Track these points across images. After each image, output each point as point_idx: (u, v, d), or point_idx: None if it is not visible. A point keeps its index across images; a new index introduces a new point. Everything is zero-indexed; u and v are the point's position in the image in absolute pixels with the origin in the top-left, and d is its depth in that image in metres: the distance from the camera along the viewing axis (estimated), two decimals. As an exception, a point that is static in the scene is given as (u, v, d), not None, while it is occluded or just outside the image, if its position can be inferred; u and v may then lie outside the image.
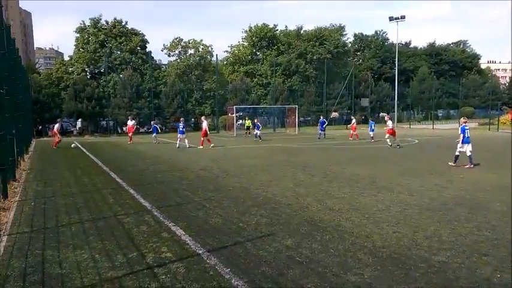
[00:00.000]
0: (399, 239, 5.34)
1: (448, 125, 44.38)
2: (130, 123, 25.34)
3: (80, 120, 41.80)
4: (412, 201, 7.55)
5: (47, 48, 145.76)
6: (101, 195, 8.52)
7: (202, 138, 20.56)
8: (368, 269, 4.33)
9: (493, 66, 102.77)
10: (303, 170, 11.91)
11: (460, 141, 12.00)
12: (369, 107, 50.89)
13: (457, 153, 12.17)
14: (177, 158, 15.66)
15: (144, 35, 46.50)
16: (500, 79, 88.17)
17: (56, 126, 22.90)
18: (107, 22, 45.05)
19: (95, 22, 44.50)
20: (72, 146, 16.57)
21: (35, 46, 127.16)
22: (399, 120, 51.53)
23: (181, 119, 22.59)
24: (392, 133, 19.36)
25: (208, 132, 21.04)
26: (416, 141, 23.64)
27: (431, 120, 45.19)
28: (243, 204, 7.39)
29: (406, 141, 23.30)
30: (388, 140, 19.26)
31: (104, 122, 42.14)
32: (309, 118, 50.73)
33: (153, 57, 47.02)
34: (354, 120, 26.71)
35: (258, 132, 26.32)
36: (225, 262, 4.51)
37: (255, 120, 27.91)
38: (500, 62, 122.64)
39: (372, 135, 23.71)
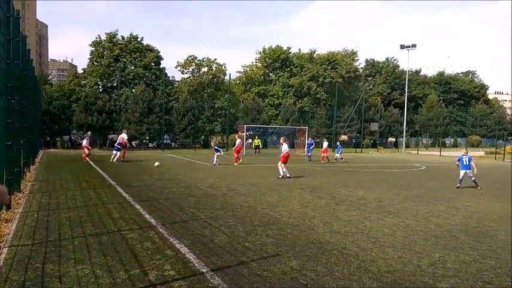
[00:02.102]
0: (404, 264, 5.30)
1: (455, 152, 44.01)
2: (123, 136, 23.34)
3: (89, 133, 42.23)
4: (417, 227, 7.50)
5: (61, 60, 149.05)
6: (106, 209, 8.55)
7: (236, 155, 21.87)
8: (372, 294, 4.31)
9: (500, 97, 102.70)
10: (311, 191, 11.89)
11: (459, 168, 13.90)
12: (378, 131, 50.85)
13: (460, 178, 13.74)
14: (184, 175, 15.72)
15: (158, 52, 47.34)
16: (507, 110, 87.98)
17: (84, 141, 23.95)
18: (122, 37, 46.03)
19: (111, 37, 45.48)
20: (156, 164, 16.11)
21: (49, 58, 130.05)
22: (407, 146, 51.31)
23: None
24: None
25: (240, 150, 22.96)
26: (424, 167, 23.46)
27: (438, 147, 44.91)
28: (249, 224, 7.39)
29: (414, 167, 23.15)
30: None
31: (114, 136, 42.52)
32: (318, 140, 50.74)
33: (166, 74, 47.74)
34: (325, 144, 26.83)
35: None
36: (228, 282, 4.51)
37: (281, 140, 28.21)
38: (507, 93, 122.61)
39: (339, 157, 25.94)
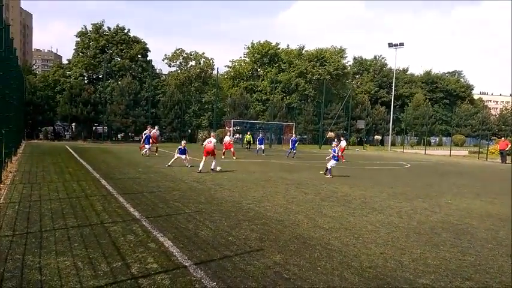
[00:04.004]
0: (386, 260, 5.36)
1: (439, 151, 44.79)
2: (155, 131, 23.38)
3: (73, 124, 41.57)
4: (400, 223, 7.60)
5: (46, 50, 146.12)
6: (89, 201, 8.43)
7: (231, 150, 22.27)
8: (354, 289, 4.35)
9: (485, 98, 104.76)
10: (297, 187, 11.93)
11: None
12: (364, 129, 51.34)
13: None
14: (170, 169, 15.61)
15: (145, 44, 46.79)
16: (491, 110, 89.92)
17: (154, 131, 22.82)
18: (109, 28, 45.35)
19: (97, 28, 44.76)
20: (218, 169, 15.26)
21: (34, 47, 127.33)
22: (393, 144, 51.95)
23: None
24: None
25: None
26: (409, 165, 23.79)
27: (424, 146, 45.61)
28: (234, 218, 7.38)
29: (399, 165, 23.46)
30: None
31: (99, 128, 41.96)
32: (306, 136, 51.06)
33: (153, 66, 47.26)
34: (344, 143, 26.37)
35: (262, 146, 26.69)
36: (211, 276, 4.49)
37: (261, 135, 28.29)
38: (492, 94, 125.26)
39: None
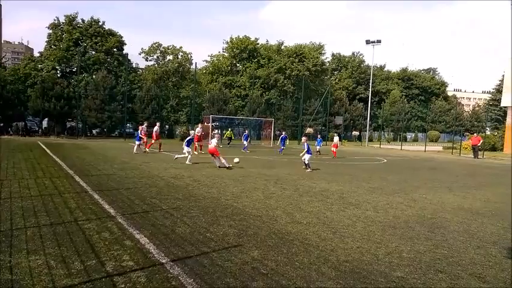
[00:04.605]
0: (362, 254, 5.44)
1: (415, 146, 45.86)
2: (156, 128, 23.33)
3: (46, 119, 40.32)
4: (377, 218, 7.72)
5: (16, 43, 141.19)
6: (63, 199, 8.19)
7: (153, 141, 22.25)
8: (330, 282, 4.39)
9: (458, 95, 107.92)
10: (275, 182, 11.96)
11: None
12: (342, 125, 52.01)
13: None
14: (147, 165, 15.37)
15: (121, 37, 45.78)
16: (464, 107, 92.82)
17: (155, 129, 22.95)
18: (83, 20, 44.10)
19: (70, 20, 43.44)
20: (235, 161, 15.15)
21: (3, 39, 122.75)
22: (370, 140, 52.86)
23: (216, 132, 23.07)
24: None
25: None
26: (385, 160, 24.26)
27: (400, 141, 46.61)
28: (212, 215, 7.32)
29: (376, 160, 23.88)
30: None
31: (73, 124, 40.87)
32: (284, 132, 51.26)
33: (129, 60, 46.30)
34: (336, 139, 26.72)
35: (246, 143, 26.65)
36: (189, 272, 4.44)
37: (246, 132, 28.22)
38: (465, 91, 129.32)
39: (318, 149, 25.75)
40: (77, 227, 6.13)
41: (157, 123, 24.15)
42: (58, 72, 44.21)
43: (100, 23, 44.46)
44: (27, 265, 4.47)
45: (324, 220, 7.31)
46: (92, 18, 44.29)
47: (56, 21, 43.57)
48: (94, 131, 42.63)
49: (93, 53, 43.74)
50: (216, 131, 16.37)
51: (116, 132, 41.52)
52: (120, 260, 4.74)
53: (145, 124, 22.83)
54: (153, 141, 22.61)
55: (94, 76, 41.22)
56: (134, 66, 49.22)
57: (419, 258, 5.36)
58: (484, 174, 18.22)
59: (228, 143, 31.57)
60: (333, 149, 24.79)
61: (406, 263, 5.15)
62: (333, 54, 73.22)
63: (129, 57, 46.03)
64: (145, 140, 21.43)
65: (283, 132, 29.10)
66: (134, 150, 20.62)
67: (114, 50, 44.84)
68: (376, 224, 7.23)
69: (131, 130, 42.92)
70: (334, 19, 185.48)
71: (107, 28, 44.91)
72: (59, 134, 37.22)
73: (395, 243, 6.01)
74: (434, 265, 5.14)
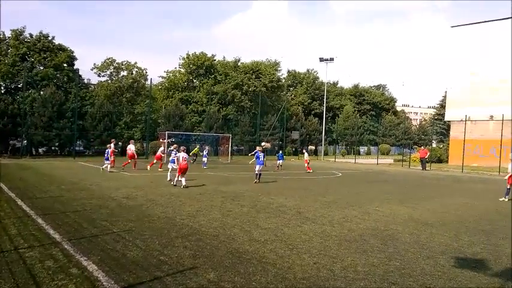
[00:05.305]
0: (319, 270, 5.45)
1: (368, 160, 47.54)
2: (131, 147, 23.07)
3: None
4: (333, 232, 7.82)
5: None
6: (1, 225, 7.57)
7: (129, 161, 22.12)
8: (288, 303, 4.33)
9: (406, 109, 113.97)
10: (233, 199, 11.83)
11: None
12: (299, 139, 52.97)
13: None
14: (98, 185, 14.68)
15: (72, 52, 44.12)
16: (412, 121, 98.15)
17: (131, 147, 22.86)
18: (31, 35, 42.09)
19: (17, 34, 41.32)
20: (263, 144, 14.89)
21: None
22: (326, 154, 54.19)
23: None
24: None
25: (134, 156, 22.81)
26: (340, 174, 24.88)
27: (353, 155, 48.16)
28: (166, 236, 7.07)
29: (331, 174, 24.42)
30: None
31: (16, 142, 38.39)
32: (242, 147, 51.34)
33: (80, 75, 44.57)
34: (306, 154, 27.51)
35: (205, 159, 26.54)
36: (140, 299, 4.21)
37: (207, 148, 28.03)
38: (412, 106, 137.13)
39: (279, 164, 27.55)
40: (17, 255, 5.68)
41: (132, 141, 24.11)
42: (2, 88, 41.61)
43: (49, 38, 42.66)
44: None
45: (281, 237, 7.28)
46: (40, 32, 42.40)
47: (2, 36, 41.29)
48: (40, 150, 40.31)
49: (42, 68, 41.73)
50: (183, 147, 16.21)
51: (66, 151, 39.56)
52: (64, 291, 4.41)
53: (113, 142, 22.56)
54: (129, 160, 22.49)
55: (42, 92, 39.20)
56: (86, 82, 47.48)
57: (373, 271, 5.45)
58: (432, 186, 19.16)
59: (194, 160, 31.10)
60: (305, 164, 25.95)
61: (361, 277, 5.21)
62: (288, 71, 74.99)
63: (80, 73, 44.36)
64: (112, 159, 21.04)
65: (280, 151, 30.76)
66: (108, 169, 20.26)
67: (64, 65, 43.05)
68: (332, 238, 7.31)
69: (81, 148, 41.14)
70: (289, 36, 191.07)
71: (56, 43, 43.15)
72: (1, 154, 34.79)
73: (351, 257, 6.08)
74: (388, 278, 5.24)
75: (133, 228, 7.63)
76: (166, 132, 34.26)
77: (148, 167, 22.43)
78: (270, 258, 5.88)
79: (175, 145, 17.90)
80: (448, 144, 41.10)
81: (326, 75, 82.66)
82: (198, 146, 31.60)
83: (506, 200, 13.62)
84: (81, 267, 5.25)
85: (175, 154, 16.21)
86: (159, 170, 21.39)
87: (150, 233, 7.26)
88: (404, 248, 6.77)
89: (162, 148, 23.97)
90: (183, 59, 53.60)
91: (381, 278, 5.22)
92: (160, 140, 34.26)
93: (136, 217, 8.71)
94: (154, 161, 23.07)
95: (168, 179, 16.04)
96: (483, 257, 6.43)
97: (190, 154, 32.20)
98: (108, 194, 12.31)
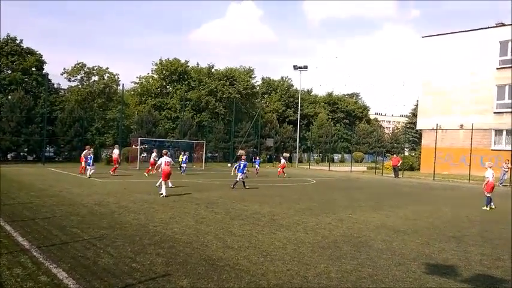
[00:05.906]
0: (292, 276, 5.49)
1: (342, 167, 48.33)
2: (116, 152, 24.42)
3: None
4: (306, 239, 7.91)
5: None
6: (-33, 232, 7.28)
7: (117, 165, 23.31)
8: (262, 309, 4.35)
9: (379, 118, 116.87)
10: (207, 206, 11.77)
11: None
12: (273, 147, 53.26)
13: None
14: (68, 191, 14.27)
15: (41, 56, 42.86)
16: (385, 129, 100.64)
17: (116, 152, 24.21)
18: (-3, 38, 40.64)
19: (-17, 37, 39.85)
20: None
21: None
22: (300, 161, 54.68)
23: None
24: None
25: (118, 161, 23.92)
26: (314, 181, 25.18)
27: (328, 162, 48.83)
28: (138, 243, 6.96)
29: (305, 181, 24.68)
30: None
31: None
32: (217, 154, 51.12)
33: (50, 80, 43.29)
34: (283, 160, 29.17)
35: (184, 165, 26.50)
36: (111, 308, 4.13)
37: (186, 155, 27.82)
38: (385, 115, 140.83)
39: (256, 169, 29.24)
40: (-19, 265, 5.45)
41: (116, 146, 25.08)
42: (-33, 92, 39.84)
43: (17, 41, 41.35)
44: None
45: (255, 243, 7.30)
46: (7, 35, 41.05)
47: (-34, 39, 39.69)
48: (9, 156, 38.82)
49: (9, 72, 40.33)
50: (165, 150, 15.95)
51: (34, 156, 38.24)
52: (31, 301, 4.27)
53: (90, 149, 22.57)
54: (116, 165, 23.40)
55: (10, 97, 37.85)
56: (56, 86, 46.20)
57: (346, 278, 5.54)
58: (404, 193, 19.67)
59: (180, 167, 30.69)
60: (279, 169, 27.87)
61: (334, 284, 5.28)
62: (262, 78, 75.42)
63: (50, 78, 43.12)
64: (83, 166, 21.60)
65: (257, 157, 32.35)
66: (88, 174, 20.43)
67: (33, 69, 41.76)
68: (306, 245, 7.39)
69: (51, 154, 39.89)
70: (263, 44, 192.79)
71: (25, 46, 41.85)
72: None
73: (324, 264, 6.17)
74: (361, 284, 5.33)
75: (105, 235, 7.47)
76: (139, 138, 33.75)
77: (146, 174, 22.82)
78: (243, 265, 5.89)
79: (165, 150, 17.27)
80: (420, 152, 42.23)
81: (300, 83, 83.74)
82: (182, 153, 31.14)
83: (488, 209, 13.66)
84: (51, 274, 5.11)
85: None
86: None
87: (122, 240, 7.13)
88: (377, 255, 6.92)
89: (117, 151, 24.65)
90: (156, 64, 53.07)
91: (354, 284, 5.31)
92: (133, 146, 33.74)
93: (108, 224, 8.53)
94: (150, 167, 23.14)
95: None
96: (453, 263, 6.64)
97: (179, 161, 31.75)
98: (79, 200, 12.00)
